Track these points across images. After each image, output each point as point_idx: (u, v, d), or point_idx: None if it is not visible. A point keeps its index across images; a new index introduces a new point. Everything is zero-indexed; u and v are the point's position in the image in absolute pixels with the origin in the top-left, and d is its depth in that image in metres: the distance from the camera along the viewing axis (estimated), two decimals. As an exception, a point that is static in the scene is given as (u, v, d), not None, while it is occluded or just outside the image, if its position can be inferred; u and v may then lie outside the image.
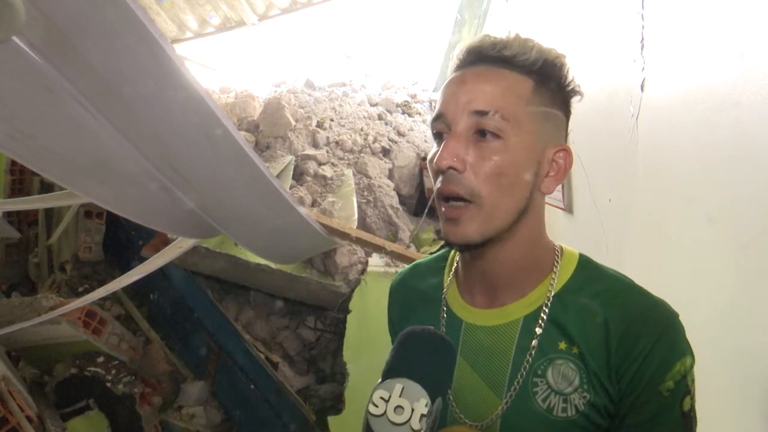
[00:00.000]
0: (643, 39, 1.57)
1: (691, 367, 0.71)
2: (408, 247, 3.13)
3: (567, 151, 0.77)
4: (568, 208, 2.13)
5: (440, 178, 0.74)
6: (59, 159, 1.32)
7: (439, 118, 0.75)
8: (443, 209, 0.75)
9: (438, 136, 0.76)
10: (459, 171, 0.72)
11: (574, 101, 0.80)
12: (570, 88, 0.78)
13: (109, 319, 3.16)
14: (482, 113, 0.71)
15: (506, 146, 0.72)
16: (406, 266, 0.99)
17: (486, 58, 0.75)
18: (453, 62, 0.79)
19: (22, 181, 3.86)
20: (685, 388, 0.70)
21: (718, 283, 1.20)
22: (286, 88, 4.27)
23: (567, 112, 0.80)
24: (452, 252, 0.91)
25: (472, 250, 0.76)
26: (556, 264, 0.79)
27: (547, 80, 0.75)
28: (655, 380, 0.69)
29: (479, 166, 0.72)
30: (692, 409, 0.72)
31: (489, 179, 0.72)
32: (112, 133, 1.25)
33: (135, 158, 1.35)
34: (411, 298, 0.91)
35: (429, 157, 0.77)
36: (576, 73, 0.79)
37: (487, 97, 0.72)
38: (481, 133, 0.72)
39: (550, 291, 0.77)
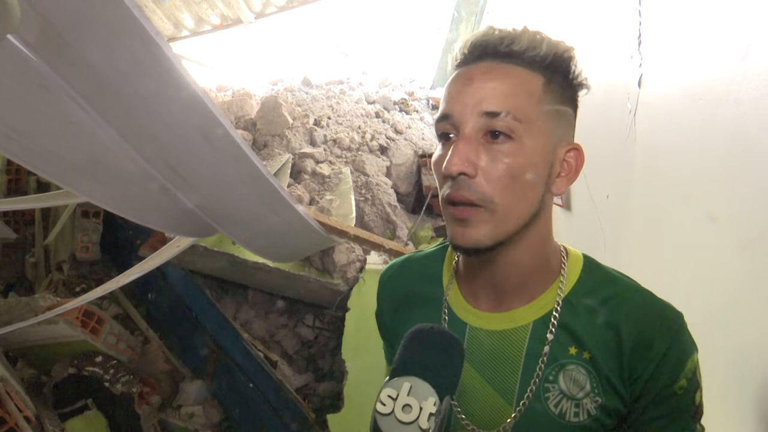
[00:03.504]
0: (640, 35, 1.57)
1: (697, 360, 0.72)
2: (406, 244, 3.13)
3: (578, 150, 0.74)
4: (566, 205, 2.13)
5: (448, 183, 0.69)
6: (55, 158, 1.31)
7: (445, 118, 0.71)
8: (451, 210, 0.70)
9: (444, 136, 0.72)
10: (470, 176, 0.67)
11: (580, 94, 0.77)
12: (578, 81, 0.74)
13: (107, 319, 3.15)
14: (494, 114, 0.67)
15: (519, 148, 0.68)
16: (397, 259, 0.94)
17: (493, 53, 0.70)
18: (455, 57, 0.74)
19: (18, 180, 3.85)
20: (696, 383, 0.72)
21: (717, 281, 1.19)
22: (283, 86, 4.27)
23: (575, 107, 0.76)
24: (449, 250, 0.87)
25: (481, 254, 0.72)
26: (563, 266, 0.77)
27: (557, 75, 0.72)
28: (670, 381, 0.70)
29: (491, 169, 0.67)
30: (701, 401, 0.73)
31: (501, 183, 0.68)
32: (108, 132, 1.25)
33: (132, 157, 1.34)
34: (403, 296, 0.87)
35: (434, 160, 0.73)
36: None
37: (498, 97, 0.67)
38: (493, 134, 0.68)
39: (560, 295, 0.75)
